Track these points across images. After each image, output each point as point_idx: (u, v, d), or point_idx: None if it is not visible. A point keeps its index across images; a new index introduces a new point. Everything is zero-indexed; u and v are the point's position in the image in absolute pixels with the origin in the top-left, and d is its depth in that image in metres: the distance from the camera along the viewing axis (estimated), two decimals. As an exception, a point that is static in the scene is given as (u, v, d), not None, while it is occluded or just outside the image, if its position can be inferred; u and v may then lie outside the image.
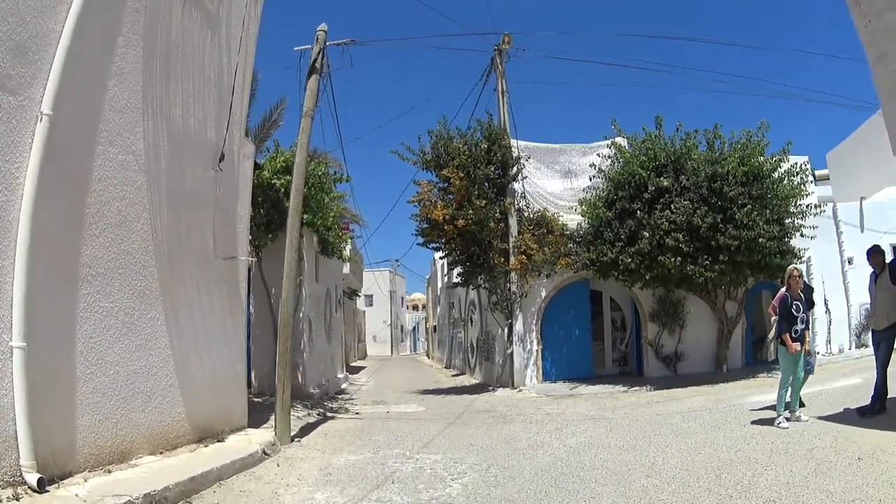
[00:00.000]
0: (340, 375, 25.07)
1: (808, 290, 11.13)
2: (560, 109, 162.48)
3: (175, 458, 8.92)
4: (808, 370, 10.91)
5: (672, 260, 16.65)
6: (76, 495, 6.64)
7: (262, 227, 17.11)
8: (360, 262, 40.74)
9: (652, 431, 11.07)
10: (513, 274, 19.82)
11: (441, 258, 21.42)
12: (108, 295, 8.31)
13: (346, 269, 32.05)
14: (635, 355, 21.74)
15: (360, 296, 35.69)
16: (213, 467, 8.43)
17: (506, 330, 20.14)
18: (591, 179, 20.00)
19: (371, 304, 69.30)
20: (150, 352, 9.12)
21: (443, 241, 19.77)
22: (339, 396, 20.45)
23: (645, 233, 17.04)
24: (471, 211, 18.62)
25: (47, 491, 6.60)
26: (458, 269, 21.91)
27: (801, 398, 10.90)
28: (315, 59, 13.47)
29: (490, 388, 20.48)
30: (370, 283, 61.60)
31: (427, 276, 55.26)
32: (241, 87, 12.11)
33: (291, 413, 13.74)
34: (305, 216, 16.15)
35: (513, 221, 20.12)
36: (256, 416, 12.51)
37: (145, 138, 9.28)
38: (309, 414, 15.05)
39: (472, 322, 28.23)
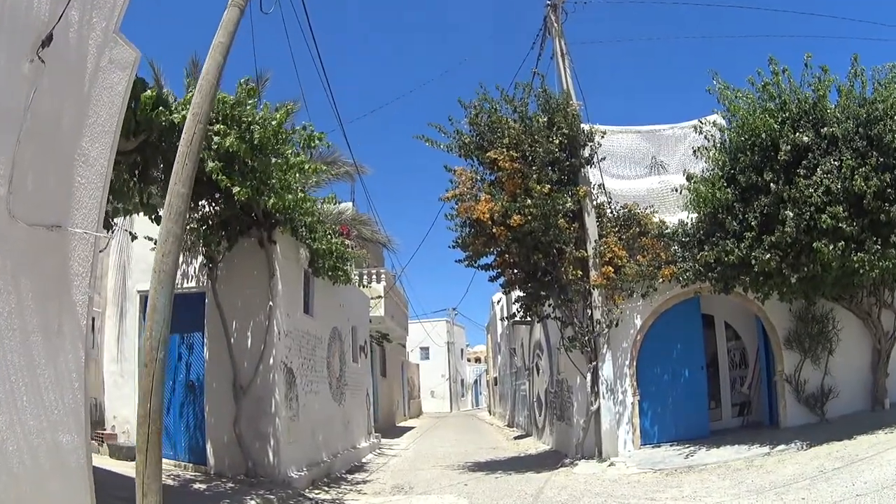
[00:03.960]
0: (363, 444, 19.34)
1: None
2: (623, 85, 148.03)
3: None
4: None
5: (831, 248, 11.49)
6: None
7: (211, 224, 11.99)
8: (402, 303, 35.13)
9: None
10: (595, 294, 14.16)
11: (492, 279, 15.59)
12: None
13: (381, 310, 26.37)
14: (765, 399, 15.86)
15: (390, 341, 29.99)
16: None
17: (588, 377, 14.35)
18: (695, 154, 14.29)
19: (427, 357, 65.38)
20: None
21: (491, 250, 14.29)
22: (348, 477, 14.80)
23: (787, 212, 11.73)
24: (529, 201, 13.14)
25: None
26: (516, 295, 16.33)
27: None
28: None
29: (566, 459, 14.59)
30: (423, 336, 57.96)
31: (486, 324, 49.94)
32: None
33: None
34: (239, 188, 10.25)
35: (590, 220, 14.56)
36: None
37: None
38: (264, 520, 9.37)
39: (538, 370, 22.43)
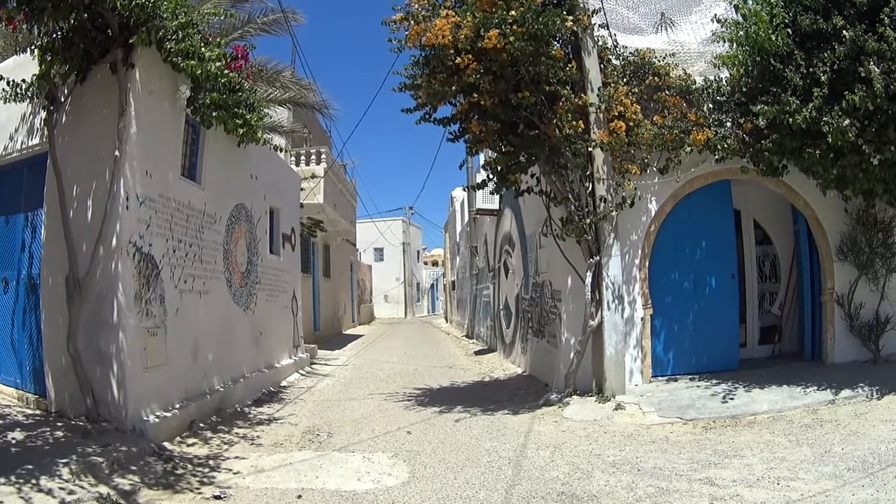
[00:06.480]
0: (285, 361, 15.35)
1: None
2: None
3: None
4: None
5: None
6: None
7: (54, 48, 8.46)
8: (350, 194, 30.93)
9: None
10: (599, 160, 10.17)
11: (453, 137, 11.41)
12: None
13: (320, 196, 22.18)
14: (807, 323, 12.11)
15: (324, 230, 25.24)
16: None
17: (588, 278, 10.37)
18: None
19: (381, 259, 62.22)
20: None
21: (455, 91, 9.99)
22: (251, 413, 10.87)
23: (870, 66, 8.53)
24: (512, 13, 9.13)
25: None
26: (487, 157, 12.15)
27: None
28: None
29: (552, 394, 10.56)
30: (377, 236, 55.34)
31: (444, 222, 46.18)
32: None
33: None
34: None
35: (591, 61, 10.45)
36: None
37: None
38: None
39: (506, 271, 18.54)
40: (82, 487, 6.01)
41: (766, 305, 13.17)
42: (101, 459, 6.67)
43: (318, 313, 26.52)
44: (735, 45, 10.14)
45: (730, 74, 10.49)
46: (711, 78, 10.85)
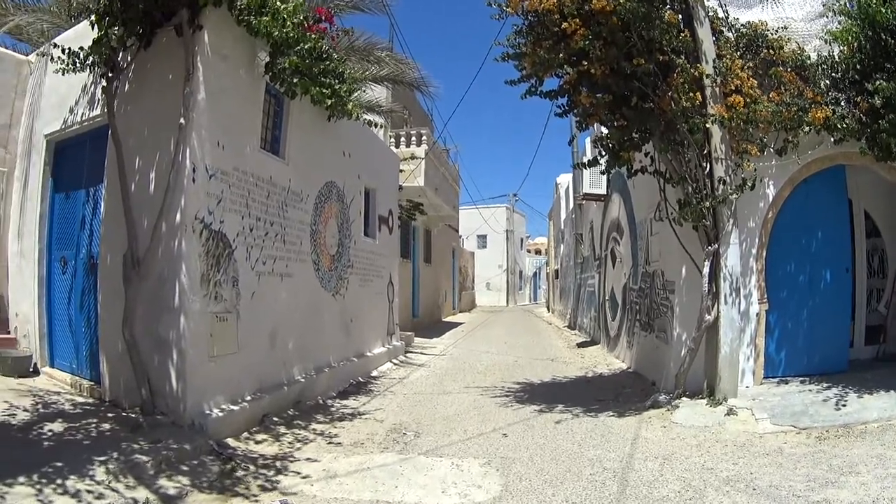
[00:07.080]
0: (378, 350, 14.76)
1: None
2: None
3: None
4: None
5: None
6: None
7: (113, 11, 7.83)
8: (452, 178, 30.17)
9: None
10: (716, 137, 9.14)
11: (561, 112, 10.46)
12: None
13: (420, 178, 21.43)
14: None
15: (424, 213, 24.30)
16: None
17: (706, 269, 9.37)
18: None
19: (484, 246, 61.32)
20: None
21: (562, 59, 9.03)
22: (333, 406, 10.25)
23: None
24: (623, -28, 8.26)
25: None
26: (597, 134, 11.39)
27: None
28: None
29: (660, 395, 9.63)
30: (480, 222, 54.73)
31: (548, 210, 45.06)
32: None
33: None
34: None
35: (704, 31, 9.47)
36: None
37: None
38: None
39: (613, 260, 17.49)
40: (116, 490, 5.44)
41: (874, 303, 11.86)
42: (146, 458, 6.09)
43: (418, 300, 25.97)
44: (846, 17, 9.36)
45: (841, 50, 9.52)
46: (825, 54, 9.82)
